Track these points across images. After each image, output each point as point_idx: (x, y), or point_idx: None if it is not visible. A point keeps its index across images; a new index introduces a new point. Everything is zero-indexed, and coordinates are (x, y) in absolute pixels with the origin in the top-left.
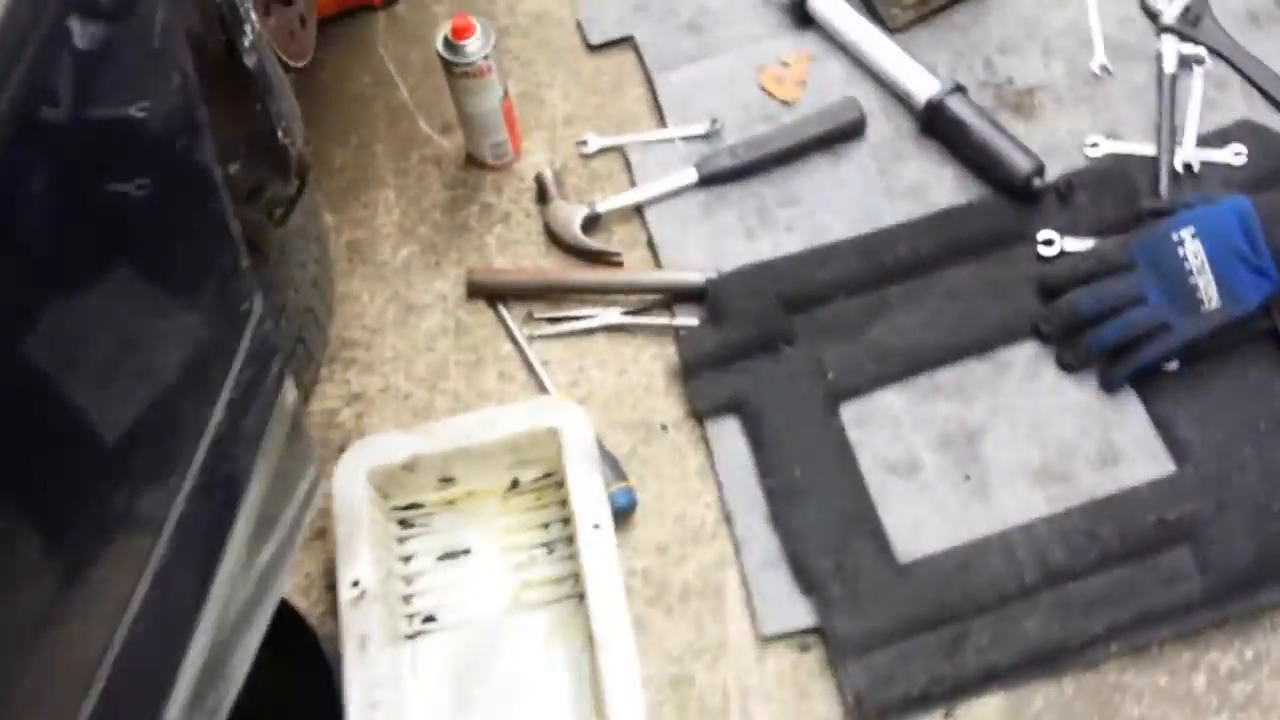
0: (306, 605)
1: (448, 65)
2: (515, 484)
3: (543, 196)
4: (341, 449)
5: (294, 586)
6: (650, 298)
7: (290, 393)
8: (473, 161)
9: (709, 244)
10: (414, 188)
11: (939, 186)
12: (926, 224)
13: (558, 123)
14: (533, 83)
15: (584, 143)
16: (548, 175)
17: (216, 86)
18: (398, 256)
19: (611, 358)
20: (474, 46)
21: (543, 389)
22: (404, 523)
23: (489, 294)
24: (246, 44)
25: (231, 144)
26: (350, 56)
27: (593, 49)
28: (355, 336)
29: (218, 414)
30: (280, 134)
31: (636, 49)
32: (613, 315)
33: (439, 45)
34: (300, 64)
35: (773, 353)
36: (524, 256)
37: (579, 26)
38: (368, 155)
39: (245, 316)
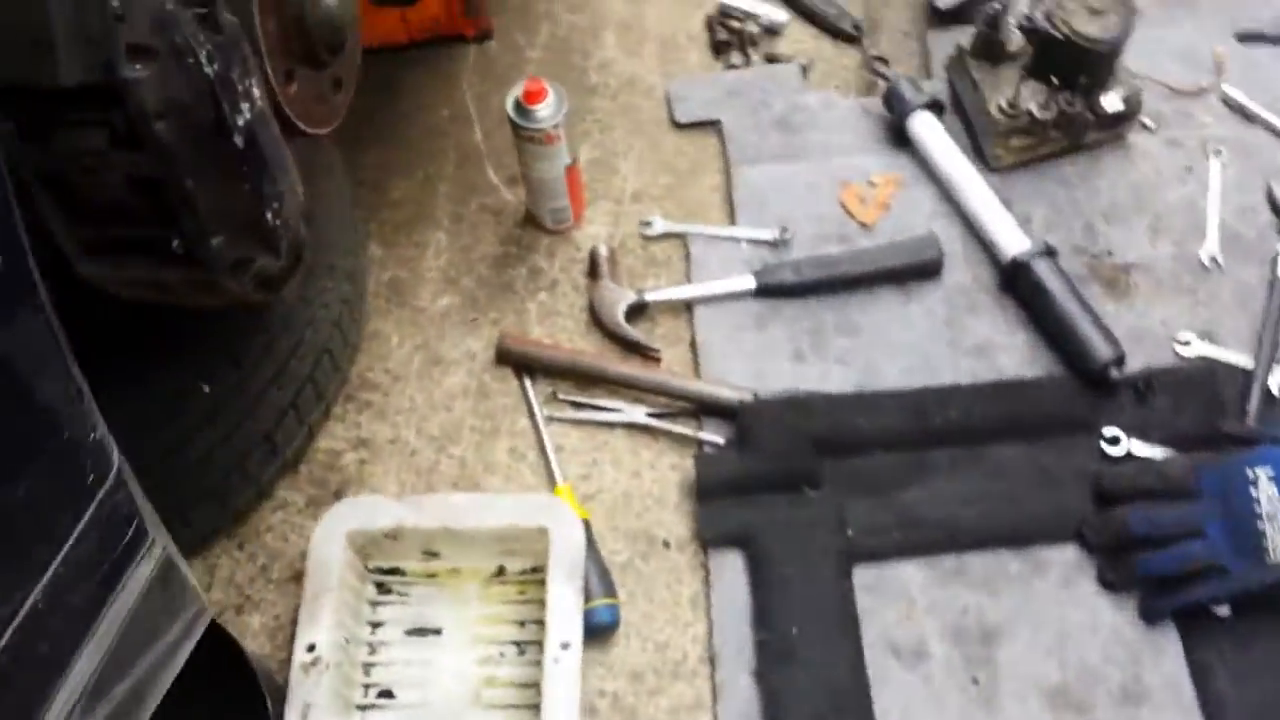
0: (270, 649)
1: (515, 127)
2: (501, 571)
3: (593, 272)
4: (338, 494)
5: (260, 627)
6: (680, 403)
7: (155, 552)
8: (531, 221)
9: (753, 359)
10: (467, 236)
11: (1008, 352)
12: (986, 390)
13: (625, 197)
14: (608, 149)
15: (648, 223)
16: (602, 252)
17: (203, 157)
18: (436, 304)
19: (628, 458)
20: (544, 113)
21: (551, 476)
22: (381, 586)
23: (517, 363)
24: (239, 122)
25: (217, 215)
26: (433, 87)
27: (677, 126)
28: (376, 379)
29: (33, 596)
30: (269, 215)
31: (721, 135)
32: (638, 414)
33: (509, 105)
34: (324, 130)
35: (794, 493)
36: (562, 330)
37: (667, 100)
38: (429, 193)
39: (91, 487)
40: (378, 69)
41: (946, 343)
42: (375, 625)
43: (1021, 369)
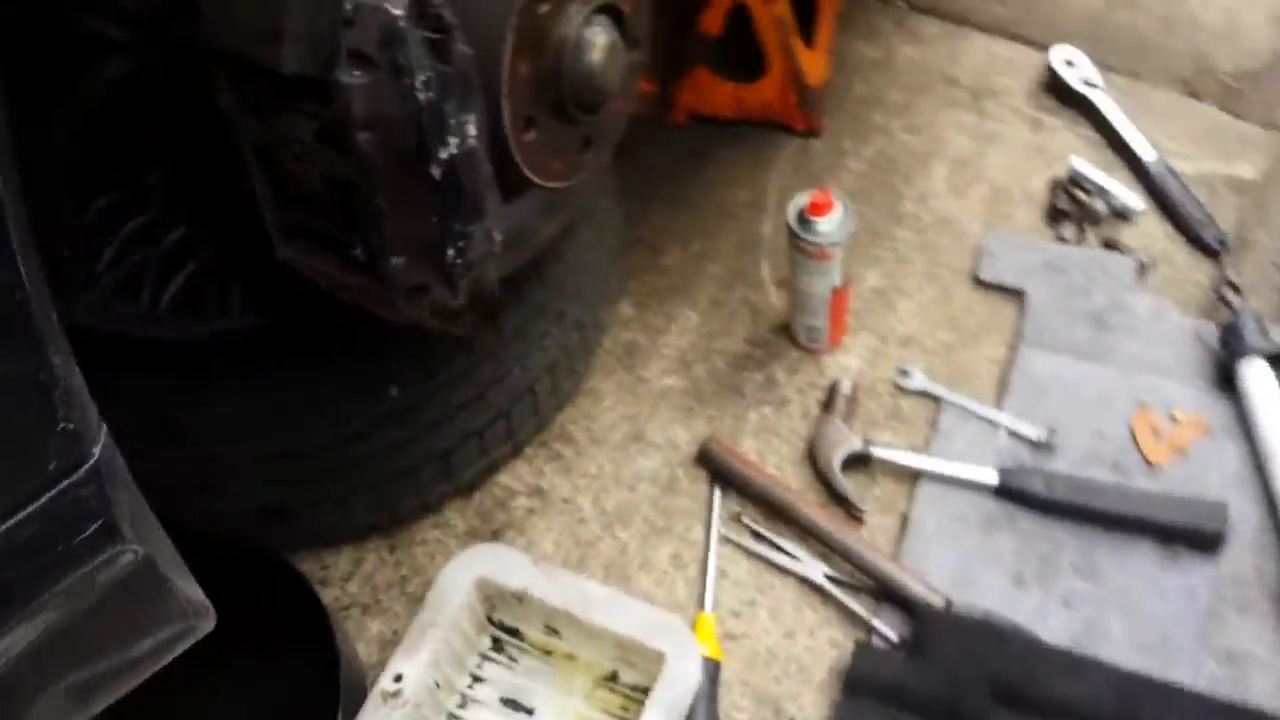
0: (377, 659)
1: (791, 234)
2: (614, 677)
3: (828, 405)
4: (496, 534)
5: (376, 634)
6: (863, 578)
7: (125, 557)
8: (786, 331)
9: (965, 562)
10: (718, 324)
11: (1267, 673)
12: (1221, 709)
13: (892, 338)
14: (894, 283)
15: (906, 374)
16: (844, 388)
17: (398, 178)
18: (660, 381)
19: (789, 612)
20: (824, 228)
21: (701, 599)
22: (497, 643)
23: (715, 470)
24: (442, 154)
25: (401, 237)
26: (742, 167)
27: (977, 283)
28: (575, 434)
29: None
30: (453, 252)
31: (1021, 307)
32: (816, 570)
33: (791, 210)
34: (557, 185)
35: None
36: (773, 453)
37: (976, 253)
38: (698, 270)
39: (52, 475)
40: (696, 136)
41: (1196, 633)
42: (476, 680)
43: (1275, 700)
